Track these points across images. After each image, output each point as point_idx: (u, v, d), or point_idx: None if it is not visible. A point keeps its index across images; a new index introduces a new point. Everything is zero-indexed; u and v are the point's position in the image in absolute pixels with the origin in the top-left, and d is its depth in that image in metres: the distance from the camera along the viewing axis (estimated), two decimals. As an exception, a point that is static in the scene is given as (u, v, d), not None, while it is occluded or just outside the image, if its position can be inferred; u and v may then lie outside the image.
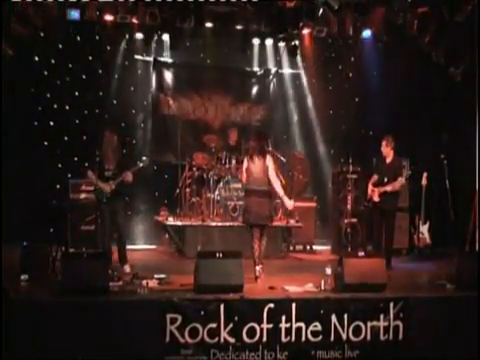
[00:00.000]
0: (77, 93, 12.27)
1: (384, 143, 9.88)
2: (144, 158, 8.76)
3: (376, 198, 9.80)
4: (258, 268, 8.53)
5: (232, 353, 6.95)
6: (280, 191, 8.75)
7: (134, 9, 11.28)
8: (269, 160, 8.73)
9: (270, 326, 7.04)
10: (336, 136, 13.42)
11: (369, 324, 7.22)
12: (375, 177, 9.95)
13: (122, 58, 12.61)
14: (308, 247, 12.12)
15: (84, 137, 12.08)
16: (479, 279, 7.69)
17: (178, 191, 11.73)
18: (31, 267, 8.17)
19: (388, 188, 9.73)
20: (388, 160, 9.96)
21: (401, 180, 9.78)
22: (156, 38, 12.53)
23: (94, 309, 6.86)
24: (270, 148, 11.07)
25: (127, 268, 8.77)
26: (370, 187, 9.91)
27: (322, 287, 7.64)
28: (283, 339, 7.06)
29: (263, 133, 9.30)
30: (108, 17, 11.39)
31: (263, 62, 13.38)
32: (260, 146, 8.80)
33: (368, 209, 10.16)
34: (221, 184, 11.40)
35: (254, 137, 8.92)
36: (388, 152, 9.90)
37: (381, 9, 11.19)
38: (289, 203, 8.91)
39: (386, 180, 9.80)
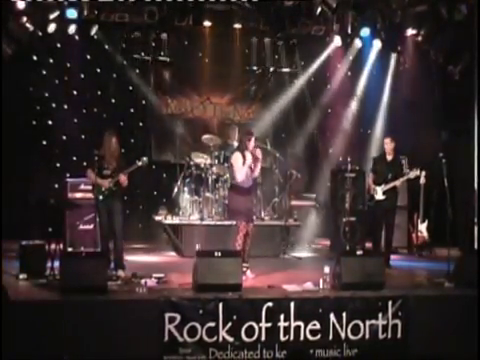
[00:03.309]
0: (75, 92, 12.26)
1: (388, 140, 9.92)
2: (144, 158, 8.74)
3: (381, 196, 9.81)
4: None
5: (231, 352, 6.96)
6: None
7: (132, 8, 11.27)
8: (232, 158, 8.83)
9: (269, 325, 7.04)
10: (334, 135, 13.41)
11: (368, 323, 7.23)
12: (373, 176, 9.96)
13: (120, 57, 12.58)
14: (307, 246, 12.11)
15: (82, 136, 12.06)
16: (478, 278, 7.69)
17: (177, 190, 11.73)
18: (29, 266, 8.18)
19: (397, 182, 9.78)
20: (389, 158, 9.98)
21: (416, 171, 9.85)
22: (154, 37, 12.50)
23: (93, 308, 6.86)
24: (269, 147, 11.09)
25: (121, 273, 8.42)
26: (372, 186, 9.92)
27: (321, 286, 7.65)
28: (282, 338, 7.07)
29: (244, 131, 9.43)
30: (106, 16, 11.36)
31: (261, 61, 13.35)
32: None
33: (369, 207, 10.16)
34: (219, 183, 11.39)
35: None
36: (390, 150, 9.93)
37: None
38: None
39: (390, 177, 9.82)
